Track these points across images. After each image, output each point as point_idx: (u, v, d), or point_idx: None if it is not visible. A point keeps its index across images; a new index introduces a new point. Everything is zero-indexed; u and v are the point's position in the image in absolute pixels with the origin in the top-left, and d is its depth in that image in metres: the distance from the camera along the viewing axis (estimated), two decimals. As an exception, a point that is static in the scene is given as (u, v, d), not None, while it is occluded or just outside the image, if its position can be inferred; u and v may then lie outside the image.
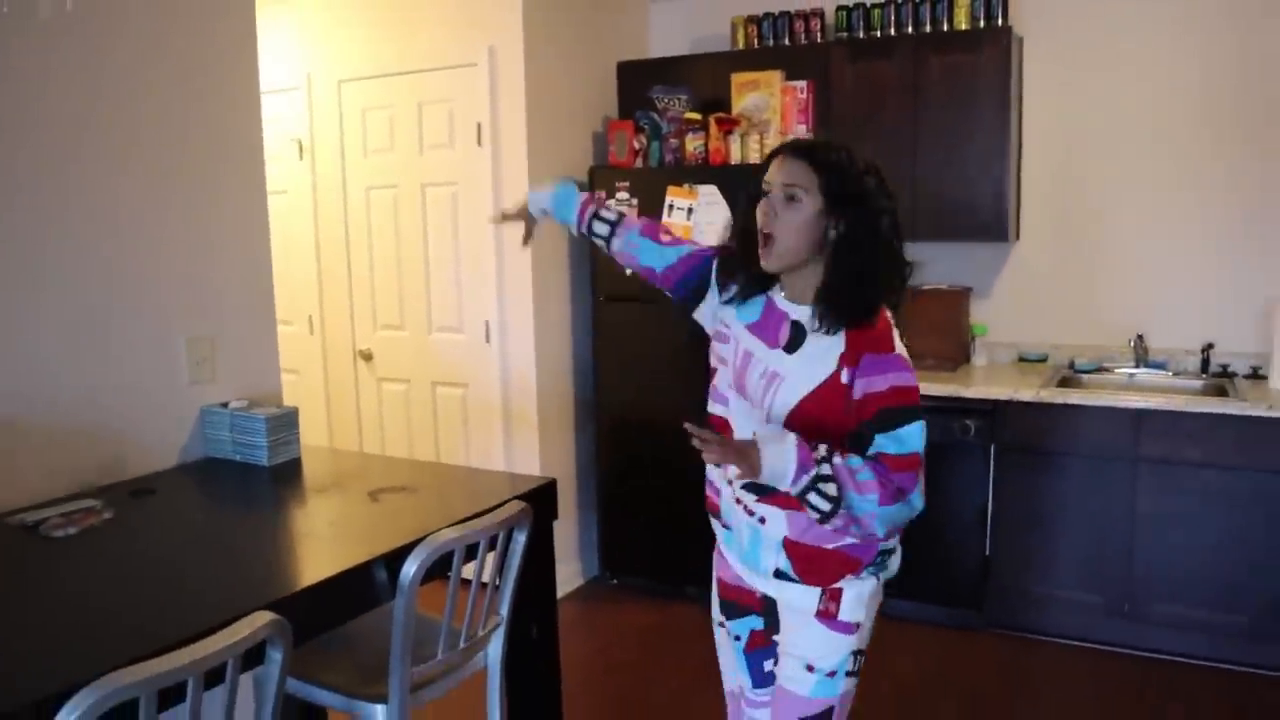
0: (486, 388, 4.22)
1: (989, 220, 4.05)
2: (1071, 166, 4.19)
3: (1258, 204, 3.90)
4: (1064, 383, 3.96)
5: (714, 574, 2.18)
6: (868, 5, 4.25)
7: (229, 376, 2.85)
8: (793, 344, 1.89)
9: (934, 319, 4.24)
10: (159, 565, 2.10)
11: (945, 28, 4.11)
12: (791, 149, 1.89)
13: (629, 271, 2.37)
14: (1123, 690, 3.47)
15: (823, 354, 1.86)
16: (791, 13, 4.40)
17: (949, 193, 4.05)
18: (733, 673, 2.23)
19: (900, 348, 1.86)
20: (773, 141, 4.04)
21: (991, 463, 3.83)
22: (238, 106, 2.87)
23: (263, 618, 1.67)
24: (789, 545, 1.93)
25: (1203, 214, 3.99)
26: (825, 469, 1.74)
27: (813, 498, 1.75)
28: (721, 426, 2.01)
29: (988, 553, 3.86)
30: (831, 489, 1.74)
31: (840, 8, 4.31)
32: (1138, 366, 4.07)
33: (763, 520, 1.95)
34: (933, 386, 3.85)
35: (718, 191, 3.94)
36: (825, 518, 1.77)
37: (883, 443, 1.80)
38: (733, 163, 4.07)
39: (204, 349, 2.78)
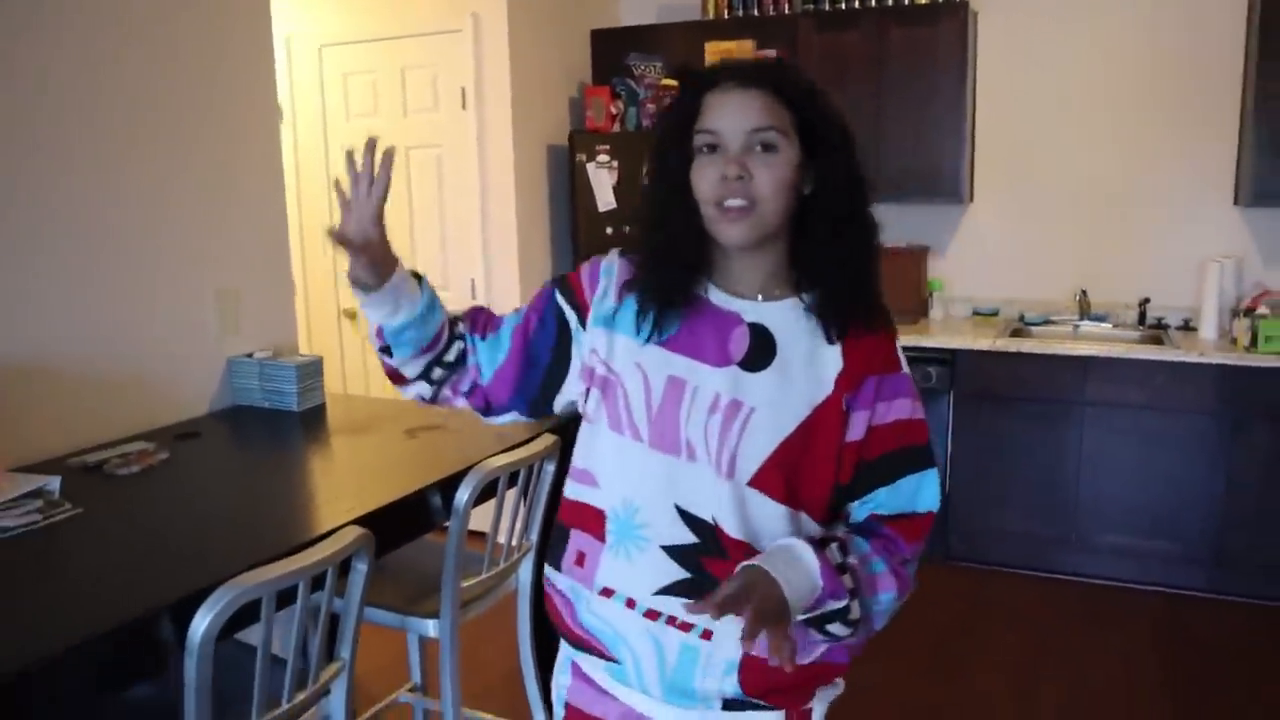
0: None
1: (946, 183, 4.33)
2: (1021, 132, 4.47)
3: (1192, 170, 4.22)
4: (1015, 334, 4.26)
5: (561, 708, 1.53)
6: (832, -23, 4.48)
7: (252, 329, 3.00)
8: (756, 358, 1.33)
9: (894, 275, 4.52)
10: (227, 496, 2.27)
11: (906, 1, 4.35)
12: (746, 76, 1.32)
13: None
14: (1072, 613, 3.80)
15: (810, 370, 1.33)
16: (760, -17, 4.61)
17: (909, 157, 4.31)
18: None
19: (905, 364, 1.40)
20: (744, 107, 4.25)
21: (950, 408, 4.13)
22: (254, 75, 3.00)
23: (353, 532, 1.86)
24: (748, 665, 1.33)
25: (1142, 178, 4.31)
26: (849, 581, 1.27)
27: (835, 629, 1.30)
28: (594, 521, 1.38)
29: (947, 490, 4.17)
30: (857, 608, 1.28)
31: (807, -21, 4.53)
32: (1081, 319, 4.38)
33: (707, 635, 1.33)
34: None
35: (696, 155, 4.15)
36: (843, 638, 1.33)
37: (887, 500, 1.35)
38: (707, 127, 4.28)
39: (230, 303, 2.92)
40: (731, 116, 1.30)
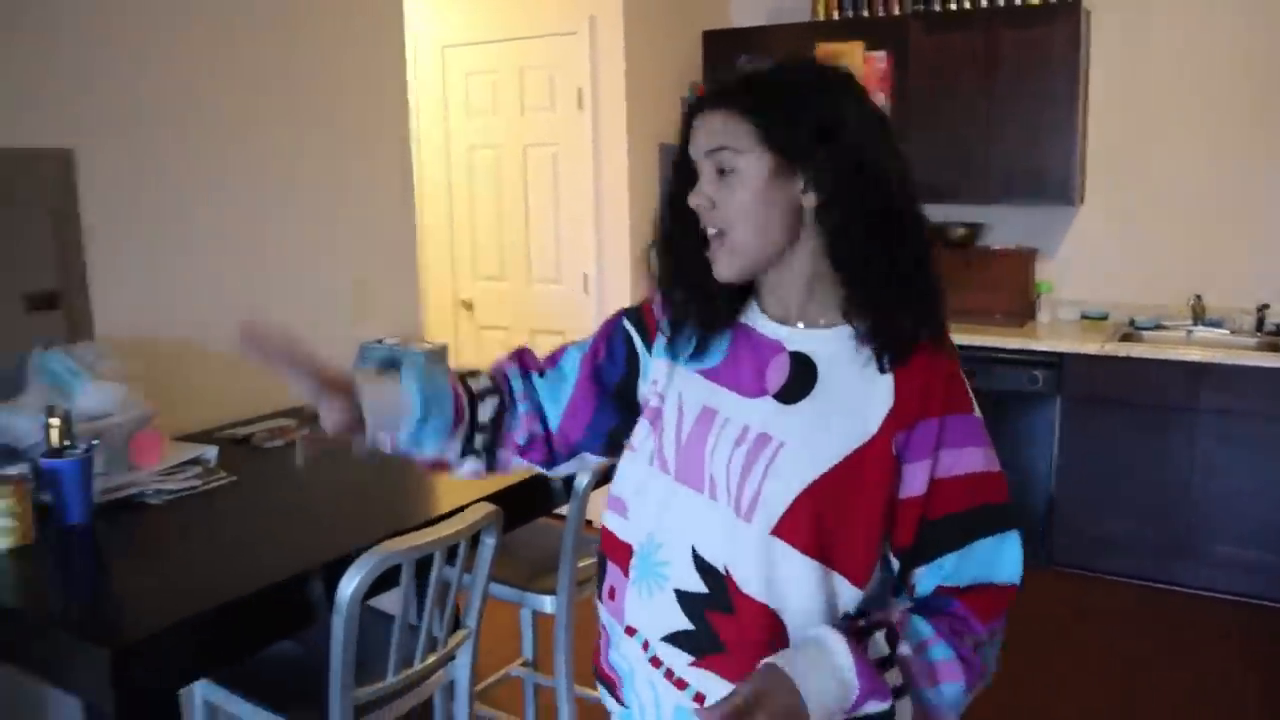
0: (583, 335, 4.52)
1: (1057, 185, 4.30)
2: (1134, 133, 4.42)
3: (1314, 172, 4.13)
4: (1125, 338, 4.22)
5: None
6: (945, -21, 4.50)
7: (381, 315, 3.17)
8: (794, 389, 1.20)
9: (1001, 278, 4.52)
10: (363, 470, 2.42)
11: (1019, 2, 4.34)
12: (708, 98, 1.20)
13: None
14: (1178, 626, 3.76)
15: (854, 405, 1.17)
16: (871, -15, 4.65)
17: (1019, 159, 4.30)
18: None
19: (974, 404, 1.21)
20: (854, 108, 4.31)
21: (1058, 411, 4.11)
22: (388, 82, 3.19)
23: (484, 508, 1.99)
24: None
25: (1259, 180, 4.22)
26: (895, 678, 1.10)
27: None
28: (622, 554, 1.27)
29: (1053, 495, 4.15)
30: (907, 711, 1.11)
31: (918, -18, 4.55)
32: (1195, 324, 4.32)
33: (699, 698, 1.20)
34: (1001, 340, 4.16)
35: (805, 155, 4.21)
36: None
37: (956, 569, 1.17)
38: (817, 128, 4.34)
39: (362, 289, 3.09)
40: (695, 144, 1.20)
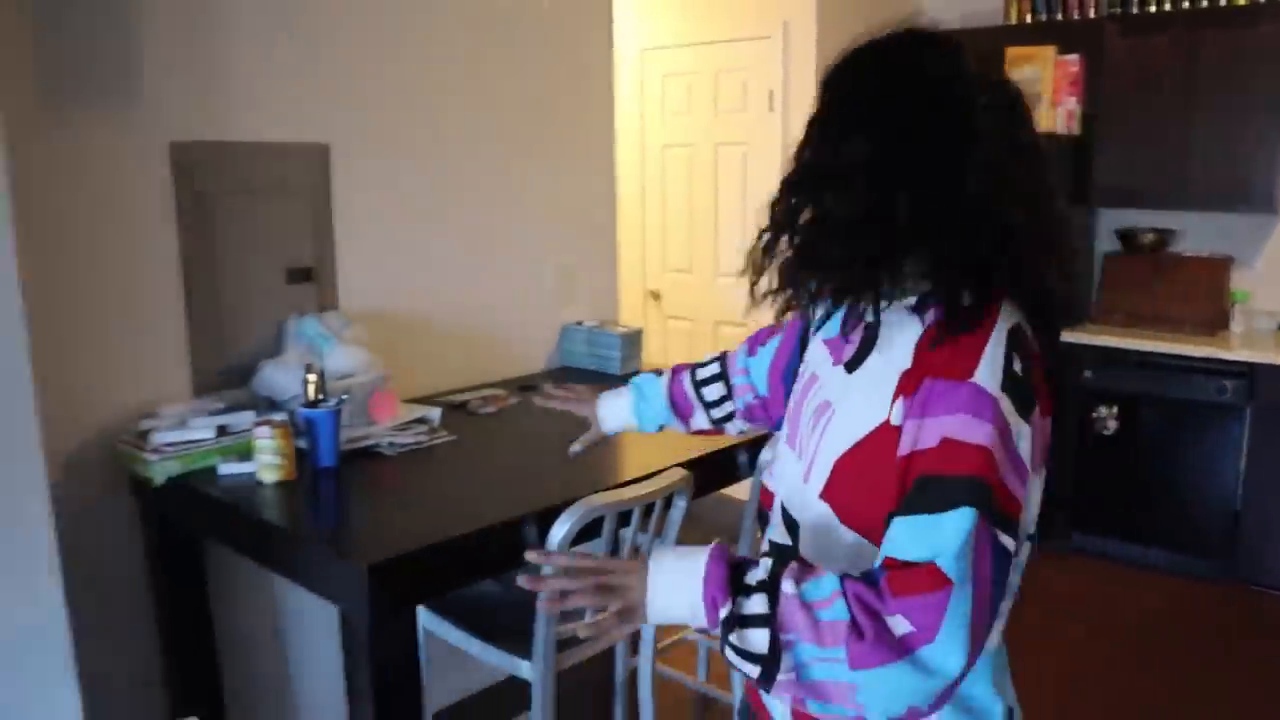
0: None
1: (1259, 192, 4.21)
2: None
3: None
4: (1326, 351, 4.10)
5: None
6: (1145, -19, 4.45)
7: (581, 301, 3.44)
8: (856, 359, 1.22)
9: (1192, 285, 4.44)
10: (565, 436, 2.68)
11: (1223, 2, 4.26)
12: None
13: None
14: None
15: (884, 375, 1.16)
16: (1066, -12, 4.63)
17: (1219, 165, 4.23)
18: None
19: (992, 377, 1.08)
20: (1043, 113, 4.33)
21: (1246, 422, 4.03)
22: (596, 83, 3.44)
23: (679, 472, 2.20)
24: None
25: None
26: (755, 605, 1.05)
27: (730, 656, 1.07)
28: (767, 501, 1.33)
29: (1238, 506, 4.07)
30: (759, 640, 1.04)
31: (1117, -16, 4.52)
32: (1404, 340, 4.16)
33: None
34: (1190, 348, 4.11)
35: (992, 157, 4.26)
36: (762, 681, 1.06)
37: (897, 534, 1.06)
38: (1006, 131, 4.38)
39: (566, 275, 3.37)
40: None
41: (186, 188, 2.42)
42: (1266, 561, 4.06)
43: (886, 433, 1.12)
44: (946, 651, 1.00)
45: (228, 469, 2.23)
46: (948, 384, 1.08)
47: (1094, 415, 4.34)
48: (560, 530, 1.96)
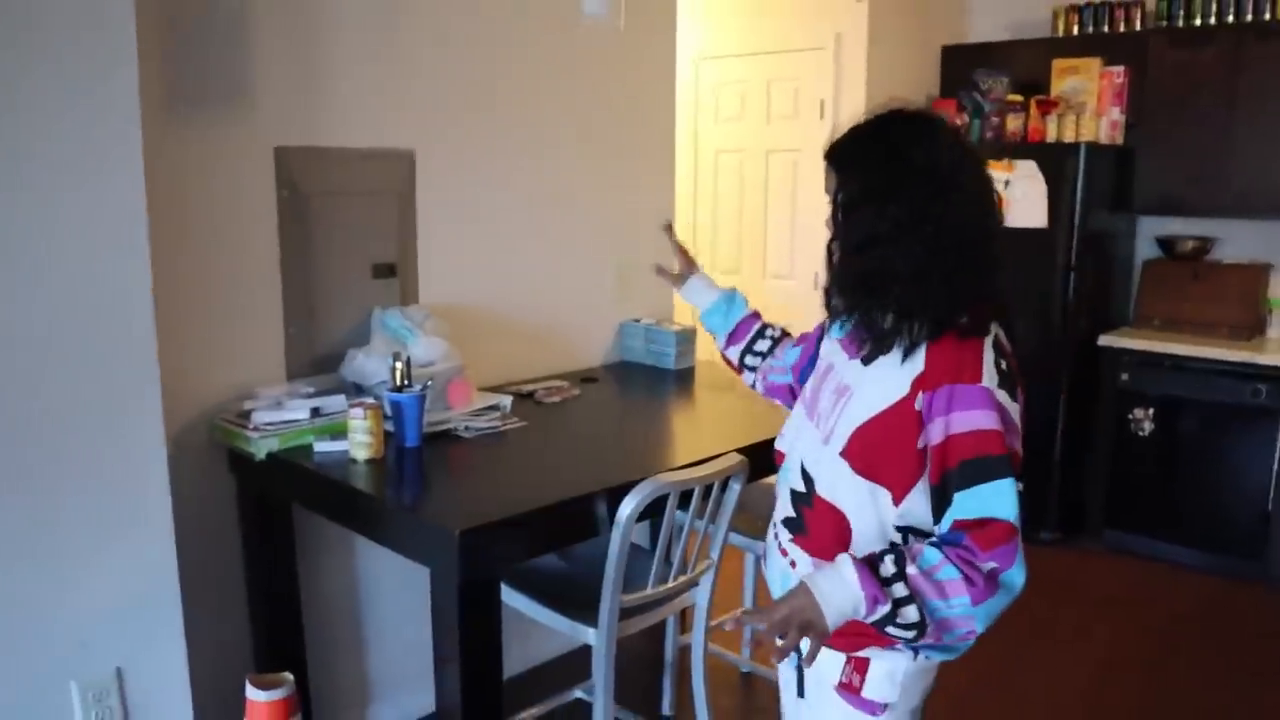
0: (809, 328, 4.90)
1: (1297, 202, 4.33)
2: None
3: None
4: (1361, 357, 4.21)
5: None
6: (1189, -4, 4.57)
7: (638, 299, 3.64)
8: (872, 355, 1.62)
9: (1229, 291, 4.56)
10: (626, 424, 2.91)
11: (1267, 17, 4.37)
12: (826, 154, 1.72)
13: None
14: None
15: (897, 373, 1.57)
16: (1112, 1, 4.75)
17: (1259, 174, 4.34)
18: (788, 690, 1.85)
19: (991, 378, 1.51)
20: (1087, 123, 4.48)
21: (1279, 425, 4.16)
22: (659, 90, 3.64)
23: (735, 457, 2.40)
24: None
25: None
26: (900, 590, 1.44)
27: (893, 630, 1.48)
28: (779, 458, 1.82)
29: (1270, 507, 4.19)
30: (913, 613, 1.45)
31: (1162, -2, 4.65)
32: None
33: (793, 564, 1.71)
34: (1225, 352, 4.23)
35: (1035, 166, 4.41)
36: (915, 638, 1.50)
37: (962, 504, 1.49)
38: (1049, 140, 4.53)
39: (625, 275, 3.57)
40: (827, 185, 1.72)
41: (287, 189, 2.65)
42: (1297, 562, 4.18)
43: (904, 408, 1.55)
44: (1018, 573, 1.47)
45: (322, 446, 2.45)
46: (965, 388, 1.50)
47: (1130, 417, 4.47)
48: (628, 506, 2.16)
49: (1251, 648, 3.73)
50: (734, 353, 2.10)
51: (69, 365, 1.93)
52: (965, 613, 1.45)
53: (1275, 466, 4.17)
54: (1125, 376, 4.49)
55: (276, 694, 2.17)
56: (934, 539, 1.52)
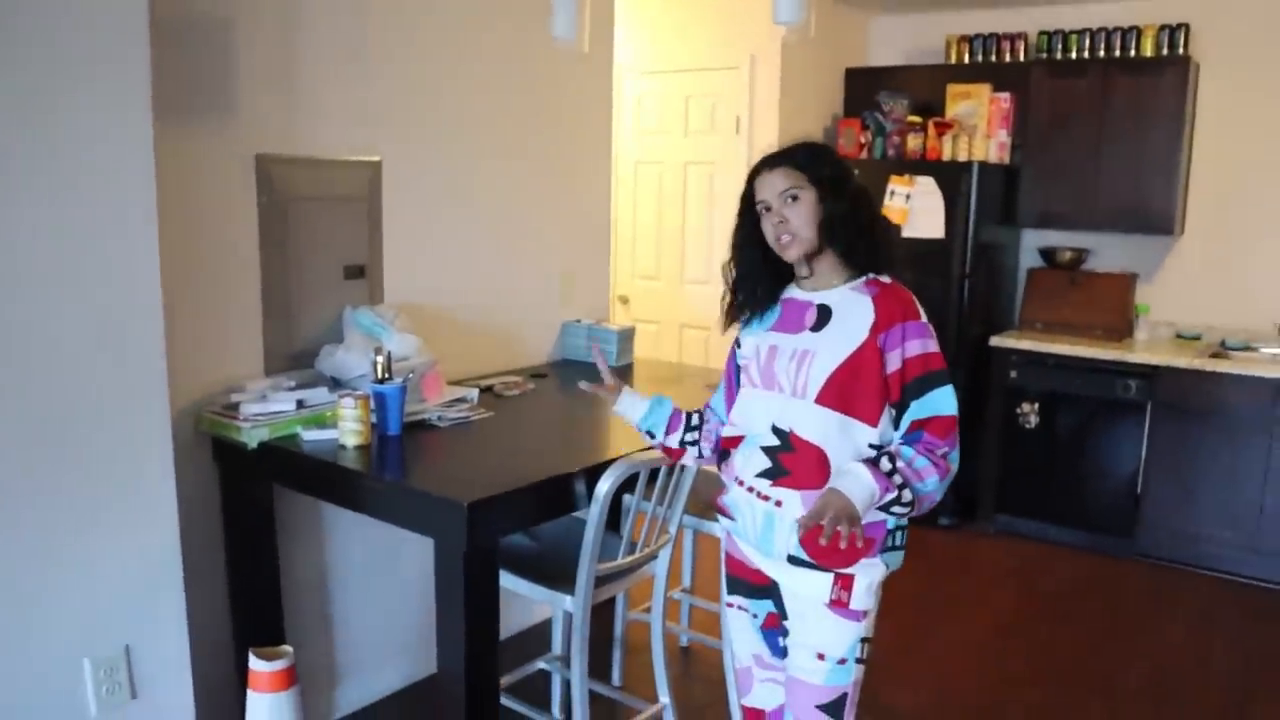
0: (729, 330, 5.21)
1: (1159, 217, 4.84)
2: (1234, 173, 4.90)
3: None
4: (1215, 356, 4.70)
5: (722, 556, 2.30)
6: (1066, 31, 5.05)
7: (579, 301, 3.89)
8: (820, 323, 2.03)
9: (1103, 297, 5.06)
10: (579, 414, 3.14)
11: (1132, 54, 4.88)
12: (770, 164, 2.05)
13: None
14: (1249, 614, 4.25)
15: (853, 325, 2.00)
16: (999, 34, 5.22)
17: (1125, 192, 4.85)
18: (748, 648, 2.27)
19: (921, 313, 2.03)
20: (979, 143, 4.91)
21: (1147, 417, 4.64)
22: (596, 109, 3.90)
23: (693, 439, 2.66)
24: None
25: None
26: (898, 479, 1.90)
27: (897, 509, 1.94)
28: (737, 442, 2.13)
29: (1139, 491, 4.68)
30: (908, 494, 1.91)
31: (1042, 32, 5.12)
32: (1281, 348, 4.81)
33: (779, 504, 2.03)
34: (1100, 351, 4.71)
35: (934, 182, 4.82)
36: (909, 513, 1.96)
37: (917, 409, 1.97)
38: (944, 159, 4.95)
39: (569, 280, 3.82)
40: (769, 188, 2.04)
41: (266, 194, 2.82)
42: (1162, 538, 4.67)
43: (868, 348, 1.98)
44: (956, 454, 2.00)
45: (310, 435, 2.63)
46: (913, 324, 2.00)
47: (1018, 411, 4.92)
48: (606, 483, 2.41)
49: (1125, 612, 4.18)
50: (673, 440, 2.30)
51: (84, 367, 2.10)
52: (935, 487, 1.95)
53: (1143, 454, 4.66)
54: (1014, 374, 4.94)
55: (279, 664, 2.39)
56: (902, 439, 2.00)
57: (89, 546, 2.15)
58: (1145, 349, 4.79)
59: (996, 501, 5.07)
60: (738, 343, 2.22)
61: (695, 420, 2.30)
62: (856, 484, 1.87)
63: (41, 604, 2.09)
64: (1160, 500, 4.65)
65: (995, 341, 4.99)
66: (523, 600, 3.06)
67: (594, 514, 2.44)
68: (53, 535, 2.08)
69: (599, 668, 3.41)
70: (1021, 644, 3.86)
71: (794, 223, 2.00)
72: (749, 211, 2.11)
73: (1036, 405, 4.88)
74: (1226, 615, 4.21)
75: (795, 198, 2.00)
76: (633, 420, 2.32)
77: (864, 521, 1.90)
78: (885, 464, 1.92)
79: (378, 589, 3.24)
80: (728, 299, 2.19)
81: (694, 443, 2.29)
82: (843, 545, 1.88)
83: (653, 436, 2.32)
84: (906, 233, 4.84)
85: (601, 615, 3.47)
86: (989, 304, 5.16)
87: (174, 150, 2.55)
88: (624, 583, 2.80)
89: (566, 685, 2.99)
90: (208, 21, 2.65)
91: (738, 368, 2.21)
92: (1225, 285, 5.00)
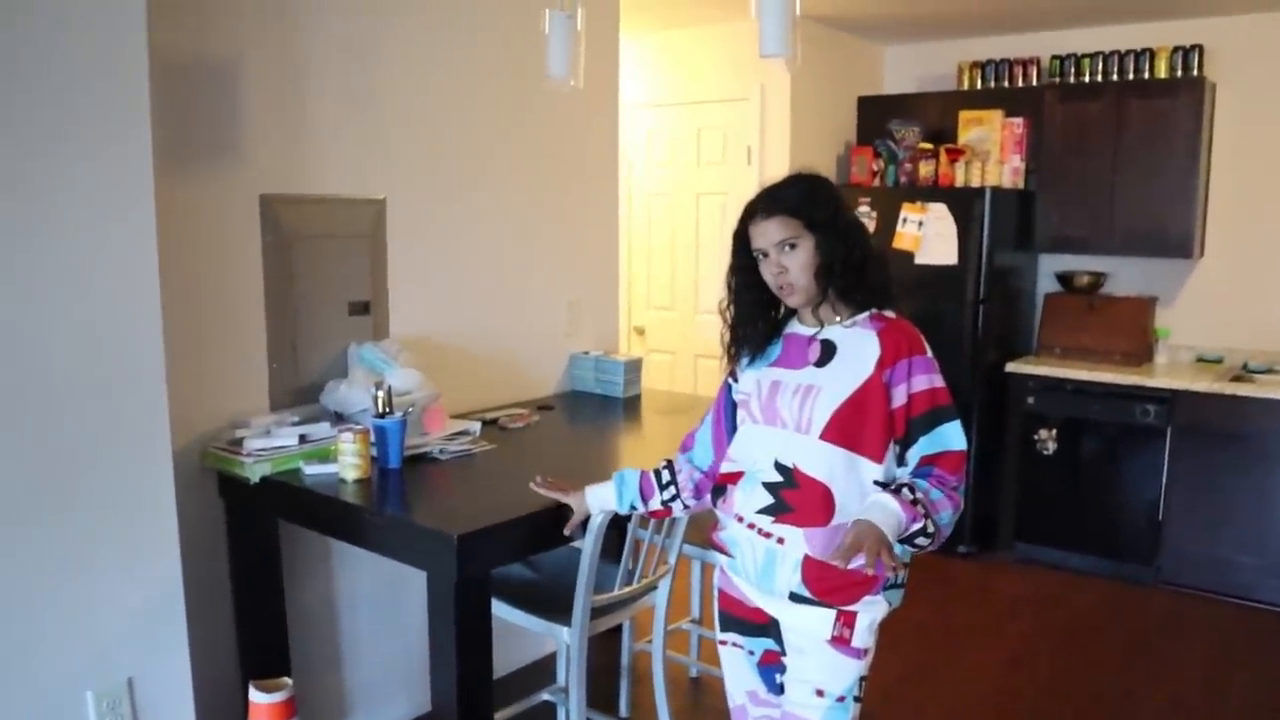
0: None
1: (1178, 240, 4.80)
2: (1253, 194, 4.86)
3: None
4: (1236, 379, 4.64)
5: (716, 593, 2.27)
6: (1079, 55, 5.03)
7: (587, 332, 3.92)
8: (824, 359, 2.03)
9: (1121, 322, 5.01)
10: (585, 445, 3.17)
11: (1146, 76, 4.86)
12: (764, 213, 2.05)
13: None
14: (1273, 641, 4.16)
15: (858, 360, 1.99)
16: (1011, 59, 5.21)
17: (1142, 216, 4.82)
18: (742, 685, 2.25)
19: (927, 348, 2.03)
20: (991, 169, 4.90)
21: (1167, 442, 4.58)
22: (604, 143, 3.94)
23: (689, 470, 2.67)
24: (808, 564, 1.99)
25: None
26: (921, 509, 1.90)
27: (921, 540, 1.93)
28: (735, 478, 2.11)
29: (1160, 517, 4.61)
30: (930, 525, 1.91)
31: (1055, 56, 5.11)
32: (1305, 371, 4.73)
33: (780, 540, 2.01)
34: (1119, 376, 4.67)
35: (946, 208, 4.81)
36: (931, 545, 1.96)
37: (927, 444, 1.98)
38: (958, 185, 4.95)
39: (576, 310, 3.85)
40: (764, 237, 2.04)
41: (271, 233, 2.87)
42: (1184, 565, 4.60)
43: (873, 384, 1.98)
44: (963, 487, 2.00)
45: (311, 469, 2.66)
46: (919, 359, 2.00)
47: (1035, 437, 4.88)
48: (600, 514, 2.42)
49: (1145, 641, 4.11)
50: (655, 503, 2.34)
51: (85, 403, 2.13)
52: (948, 521, 1.96)
53: (1164, 480, 4.60)
54: (1031, 400, 4.90)
55: (278, 696, 2.41)
56: (915, 473, 2.00)
57: (91, 579, 2.18)
58: (1165, 373, 4.74)
59: (1015, 529, 5.02)
60: (733, 377, 2.21)
61: (666, 477, 2.33)
62: (884, 514, 1.88)
63: (44, 636, 2.12)
64: (1182, 526, 4.58)
65: (1012, 367, 4.95)
66: (531, 633, 3.07)
67: (588, 545, 2.45)
68: (55, 568, 2.11)
69: (607, 699, 3.42)
70: (1038, 674, 3.80)
71: (793, 271, 2.01)
72: (744, 252, 2.11)
73: (1055, 431, 4.83)
74: (1249, 643, 4.13)
75: (793, 246, 2.00)
76: (609, 508, 2.38)
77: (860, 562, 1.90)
78: (908, 493, 1.92)
79: (384, 622, 3.26)
80: (727, 337, 2.18)
81: (674, 498, 2.32)
82: (888, 574, 1.95)
83: (635, 509, 2.37)
84: (920, 260, 4.84)
85: (609, 645, 3.48)
86: (1005, 329, 5.13)
87: (180, 190, 2.62)
88: (624, 613, 2.81)
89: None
90: (213, 63, 2.71)
91: (732, 404, 2.20)
92: (1247, 307, 4.94)
